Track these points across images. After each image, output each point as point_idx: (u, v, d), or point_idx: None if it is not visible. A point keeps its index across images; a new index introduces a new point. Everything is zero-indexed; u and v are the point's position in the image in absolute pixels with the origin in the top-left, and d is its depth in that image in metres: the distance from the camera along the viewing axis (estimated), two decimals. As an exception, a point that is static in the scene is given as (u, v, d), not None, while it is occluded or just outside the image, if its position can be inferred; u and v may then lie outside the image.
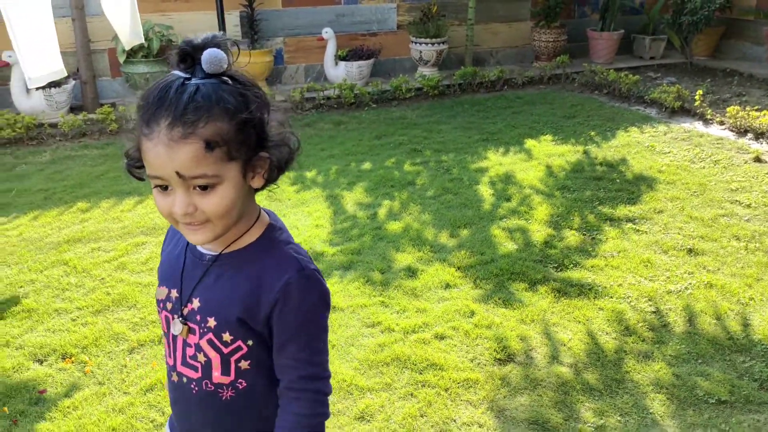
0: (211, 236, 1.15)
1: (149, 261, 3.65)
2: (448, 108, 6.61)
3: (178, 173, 1.08)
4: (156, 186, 1.12)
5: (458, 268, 3.50)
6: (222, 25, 6.43)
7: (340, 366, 2.74)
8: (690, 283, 3.35)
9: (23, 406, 2.56)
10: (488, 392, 2.61)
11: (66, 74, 4.35)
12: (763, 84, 7.19)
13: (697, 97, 6.13)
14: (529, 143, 5.47)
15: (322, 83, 7.04)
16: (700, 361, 2.78)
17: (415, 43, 7.42)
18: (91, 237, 3.94)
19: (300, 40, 7.38)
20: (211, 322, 1.21)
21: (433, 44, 7.34)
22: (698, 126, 5.85)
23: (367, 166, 5.06)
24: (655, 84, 7.21)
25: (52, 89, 5.98)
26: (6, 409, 2.55)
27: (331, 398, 2.37)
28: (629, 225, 3.98)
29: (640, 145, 5.37)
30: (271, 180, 1.18)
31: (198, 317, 1.22)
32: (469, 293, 3.29)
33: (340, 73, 7.14)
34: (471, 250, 3.69)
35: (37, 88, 5.84)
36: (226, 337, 1.20)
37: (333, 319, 3.07)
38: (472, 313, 3.11)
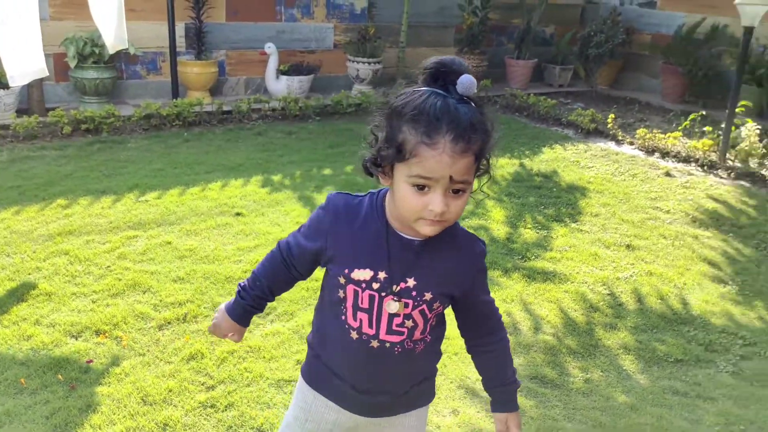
0: (439, 230, 1.40)
1: (147, 252, 3.85)
2: (387, 123, 7.07)
3: (451, 177, 1.31)
4: (415, 185, 1.34)
5: (439, 259, 3.94)
6: (172, 35, 6.61)
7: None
8: (633, 272, 3.94)
9: (75, 374, 2.75)
10: (491, 356, 3.05)
11: (47, 74, 4.46)
12: (660, 111, 8.15)
13: (609, 121, 6.92)
14: (471, 156, 6.01)
15: (264, 95, 7.32)
16: (654, 330, 3.35)
17: (353, 61, 7.87)
18: (81, 230, 4.08)
19: (241, 53, 7.65)
20: (428, 296, 1.47)
21: (369, 63, 7.82)
22: (612, 145, 6.62)
23: (328, 171, 5.43)
24: (567, 108, 7.98)
25: (1, 91, 5.96)
26: (60, 376, 2.73)
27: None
28: (573, 225, 4.57)
29: (566, 160, 6.04)
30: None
31: (414, 293, 1.46)
32: (453, 279, 3.73)
33: (282, 86, 7.46)
34: (445, 244, 4.15)
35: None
36: (436, 305, 1.50)
37: (341, 299, 3.43)
38: (461, 295, 3.55)
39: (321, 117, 7.08)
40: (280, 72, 7.52)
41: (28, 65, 4.26)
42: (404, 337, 1.51)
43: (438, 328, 1.57)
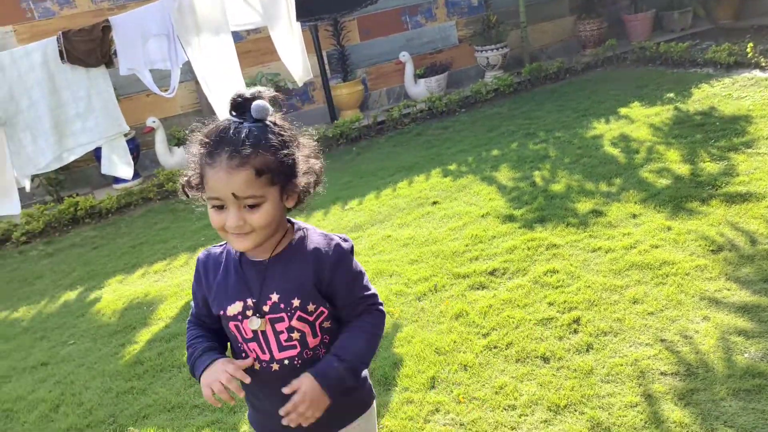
0: (252, 244, 1.50)
1: (374, 246, 4.43)
2: (529, 100, 7.45)
3: (234, 194, 1.43)
4: (213, 206, 1.48)
5: (635, 202, 4.29)
6: (322, 65, 7.28)
7: (595, 276, 3.51)
8: (826, 178, 4.13)
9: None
10: (719, 271, 3.37)
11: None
12: (796, 31, 8.05)
13: (749, 50, 6.96)
14: (623, 111, 6.29)
15: (408, 101, 7.87)
16: None
17: (481, 51, 8.30)
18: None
19: (379, 67, 8.26)
20: (296, 302, 1.54)
21: (498, 49, 8.23)
22: (758, 73, 6.66)
23: (496, 152, 5.87)
24: (698, 49, 8.03)
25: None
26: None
27: (620, 290, 3.15)
28: (750, 150, 4.77)
29: (718, 96, 6.19)
30: (301, 201, 1.54)
31: (282, 305, 1.54)
32: (656, 216, 4.06)
33: (421, 89, 7.99)
34: (635, 189, 4.48)
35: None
36: (311, 307, 1.56)
37: (562, 251, 3.85)
38: (669, 228, 3.89)
39: (465, 108, 7.56)
40: (418, 76, 8.06)
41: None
42: (299, 348, 1.58)
43: (333, 330, 1.62)
